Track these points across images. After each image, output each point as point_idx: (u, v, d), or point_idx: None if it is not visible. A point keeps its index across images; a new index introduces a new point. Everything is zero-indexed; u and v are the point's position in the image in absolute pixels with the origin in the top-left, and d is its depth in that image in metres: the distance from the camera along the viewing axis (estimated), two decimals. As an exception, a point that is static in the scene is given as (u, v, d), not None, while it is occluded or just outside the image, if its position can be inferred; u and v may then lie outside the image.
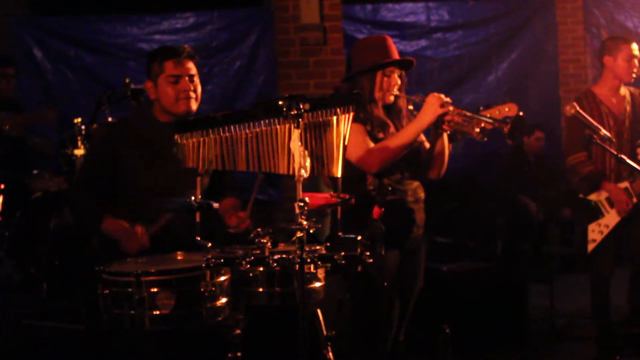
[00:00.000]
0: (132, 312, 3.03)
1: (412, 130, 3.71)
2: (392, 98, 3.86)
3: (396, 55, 3.85)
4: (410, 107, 3.89)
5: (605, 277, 5.01)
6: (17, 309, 4.69)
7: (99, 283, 3.10)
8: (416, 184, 3.92)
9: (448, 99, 3.67)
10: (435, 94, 3.69)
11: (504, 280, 5.42)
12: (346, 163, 3.21)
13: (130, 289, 3.03)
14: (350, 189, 3.32)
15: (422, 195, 3.94)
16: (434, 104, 3.65)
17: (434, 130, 3.79)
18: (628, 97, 5.05)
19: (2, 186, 4.87)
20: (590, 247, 4.97)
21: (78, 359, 4.00)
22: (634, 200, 4.89)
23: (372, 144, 3.74)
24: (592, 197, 4.98)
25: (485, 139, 3.63)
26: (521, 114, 3.59)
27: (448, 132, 3.78)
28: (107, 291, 3.08)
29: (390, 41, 3.89)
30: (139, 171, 3.64)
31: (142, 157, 3.62)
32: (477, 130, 3.62)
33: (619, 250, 5.09)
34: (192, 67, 3.71)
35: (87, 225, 3.77)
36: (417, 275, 3.96)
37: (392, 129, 3.83)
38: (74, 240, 5.06)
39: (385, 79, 3.83)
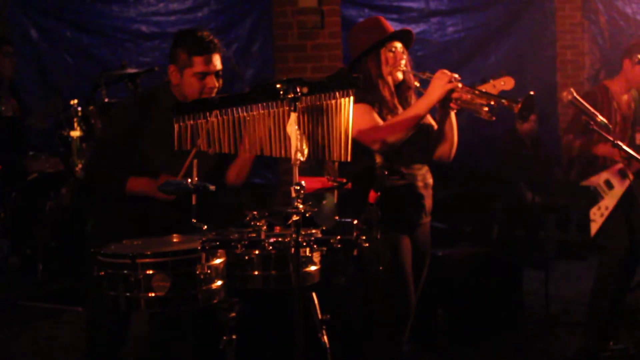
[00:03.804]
0: (128, 294, 3.03)
1: (420, 107, 3.64)
2: (400, 75, 3.82)
3: (393, 30, 3.83)
4: (417, 84, 3.83)
5: (617, 263, 5.01)
6: (13, 290, 4.69)
7: (95, 265, 3.10)
8: (425, 168, 3.86)
9: (456, 75, 3.62)
10: (444, 70, 3.65)
11: (499, 265, 5.43)
12: (354, 147, 3.19)
13: (125, 271, 3.03)
14: (360, 173, 3.29)
15: (430, 180, 3.89)
16: (443, 80, 3.59)
17: (441, 110, 3.74)
18: (635, 98, 5.19)
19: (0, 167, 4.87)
20: (593, 228, 5.00)
21: (74, 341, 4.00)
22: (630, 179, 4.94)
23: (380, 123, 3.70)
24: (590, 182, 5.01)
25: (494, 118, 3.58)
26: (532, 93, 3.53)
27: (456, 111, 3.74)
28: (103, 273, 3.08)
29: (384, 20, 3.87)
30: (155, 148, 3.64)
31: (160, 135, 3.60)
32: (486, 109, 3.57)
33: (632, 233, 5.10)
34: (219, 62, 3.72)
35: (112, 191, 3.73)
36: (424, 263, 3.93)
37: (400, 110, 3.79)
38: (71, 221, 5.06)
39: (390, 54, 3.78)
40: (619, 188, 5.05)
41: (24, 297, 4.44)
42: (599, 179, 5.00)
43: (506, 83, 3.60)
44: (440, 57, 8.23)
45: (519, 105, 3.46)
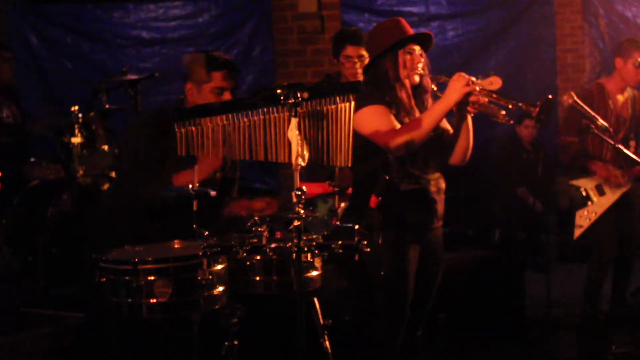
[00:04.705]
0: (130, 300, 3.04)
1: (437, 110, 3.60)
2: (417, 78, 3.78)
3: (412, 32, 3.81)
4: (434, 87, 3.81)
5: (606, 262, 5.03)
6: (15, 296, 4.69)
7: (97, 271, 3.10)
8: (438, 173, 3.84)
9: (473, 78, 3.60)
10: (461, 73, 3.61)
11: (501, 268, 5.43)
12: (366, 151, 3.19)
13: (127, 277, 3.03)
14: (371, 177, 3.28)
15: (443, 185, 3.85)
16: (460, 83, 3.55)
17: (458, 113, 3.70)
18: (631, 99, 5.18)
19: (0, 174, 4.86)
20: (577, 232, 5.01)
21: (76, 347, 4.00)
22: (628, 185, 4.94)
23: (397, 125, 3.66)
24: (580, 183, 5.02)
25: (512, 122, 3.56)
26: (550, 96, 3.51)
27: (472, 115, 3.71)
28: (105, 279, 3.08)
29: (404, 21, 3.83)
30: (177, 164, 3.64)
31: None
32: (504, 112, 3.54)
33: (621, 238, 5.11)
34: (235, 78, 3.80)
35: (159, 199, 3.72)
36: (438, 269, 3.91)
37: (417, 113, 3.76)
38: (72, 227, 5.06)
39: (408, 56, 3.74)
40: (610, 196, 5.05)
41: (26, 304, 4.44)
42: (590, 182, 5.00)
43: (494, 83, 3.58)
44: (441, 60, 8.23)
45: (537, 109, 3.43)
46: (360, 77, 4.52)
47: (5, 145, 5.47)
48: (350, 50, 4.77)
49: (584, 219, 4.98)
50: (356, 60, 4.76)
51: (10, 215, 5.03)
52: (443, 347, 4.93)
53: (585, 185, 5.00)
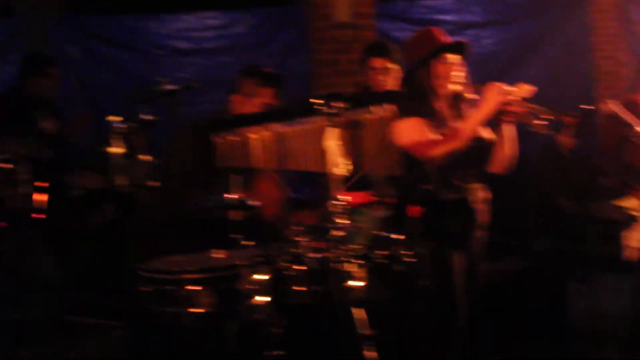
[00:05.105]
0: (172, 309, 3.07)
1: (473, 120, 3.62)
2: (453, 86, 3.78)
3: (447, 41, 3.81)
4: (471, 97, 3.81)
5: None
6: (59, 306, 4.74)
7: (139, 280, 3.13)
8: (479, 183, 3.83)
9: (510, 88, 3.59)
10: (494, 82, 3.62)
11: (543, 279, 5.38)
12: (406, 162, 3.19)
13: (169, 287, 3.06)
14: (411, 187, 3.28)
15: (485, 195, 3.84)
16: (493, 92, 3.58)
17: (495, 123, 3.71)
18: None
19: (46, 185, 4.94)
20: (628, 252, 4.93)
21: (120, 356, 4.03)
22: None
23: (434, 136, 3.67)
24: (629, 203, 4.96)
25: (550, 131, 3.54)
26: (587, 106, 3.50)
27: (511, 124, 3.69)
28: (147, 289, 3.11)
29: (437, 30, 3.83)
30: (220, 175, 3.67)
31: None
32: (543, 123, 3.52)
33: None
34: (282, 98, 3.89)
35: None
36: (477, 279, 3.88)
37: (454, 123, 3.76)
38: (114, 237, 5.11)
39: (442, 66, 3.75)
40: None
41: (70, 313, 4.49)
42: (636, 201, 4.93)
43: (528, 92, 3.57)
44: (478, 70, 8.19)
45: (575, 118, 3.42)
46: (386, 88, 4.54)
47: (49, 157, 5.54)
48: (375, 62, 4.76)
49: (634, 240, 4.91)
50: (381, 72, 4.75)
51: (54, 225, 5.09)
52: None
53: (634, 206, 4.93)
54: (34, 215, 5.03)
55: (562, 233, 7.46)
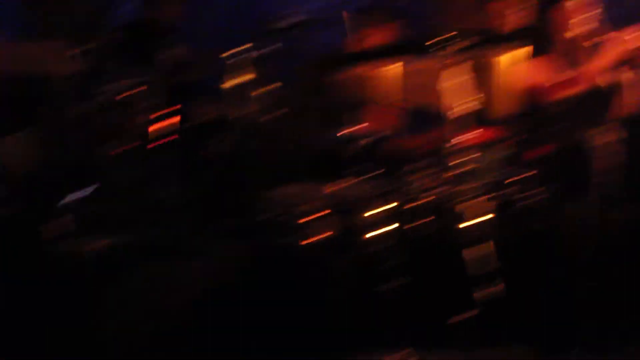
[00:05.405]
0: (290, 238, 3.12)
1: (597, 65, 3.60)
2: (578, 30, 3.72)
3: None
4: (598, 40, 3.74)
5: None
6: (177, 230, 4.84)
7: (261, 208, 3.19)
8: (600, 128, 3.78)
9: (636, 34, 3.51)
10: (623, 30, 3.54)
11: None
12: (529, 102, 3.16)
13: (290, 216, 3.11)
14: (535, 128, 3.26)
15: (606, 139, 3.79)
16: (618, 40, 3.55)
17: (619, 69, 3.64)
18: None
19: (171, 112, 5.06)
20: None
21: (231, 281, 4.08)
22: None
23: (556, 78, 3.65)
24: None
25: None
26: None
27: (636, 69, 3.62)
28: (268, 217, 3.17)
29: None
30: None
31: None
32: None
33: None
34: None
35: None
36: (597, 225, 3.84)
37: (578, 65, 3.72)
38: (235, 166, 5.21)
39: (569, 7, 3.69)
40: None
41: (187, 237, 4.59)
42: None
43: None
44: (615, 9, 7.87)
45: None
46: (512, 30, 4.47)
47: (173, 85, 5.66)
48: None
49: None
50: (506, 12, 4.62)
51: (177, 152, 5.21)
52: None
53: None
54: (157, 141, 5.17)
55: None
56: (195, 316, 3.37)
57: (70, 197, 3.83)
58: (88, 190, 3.72)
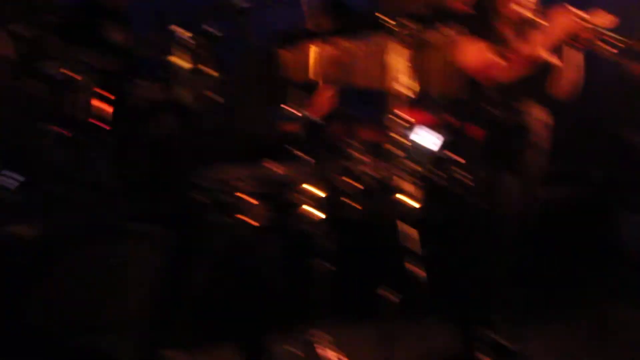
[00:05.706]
0: (224, 218, 3.09)
1: (539, 45, 3.55)
2: (519, 11, 3.67)
3: None
4: (539, 21, 3.71)
5: None
6: (115, 213, 4.79)
7: (195, 190, 3.15)
8: (540, 107, 3.75)
9: (580, 12, 3.50)
10: (566, 7, 3.52)
11: (597, 208, 5.31)
12: (469, 83, 3.13)
13: (224, 197, 3.08)
14: (473, 109, 3.24)
15: (545, 118, 3.79)
16: (563, 18, 3.48)
17: (562, 47, 3.62)
18: None
19: (109, 94, 4.99)
20: None
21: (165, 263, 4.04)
22: None
23: (497, 59, 3.60)
24: None
25: (625, 61, 3.44)
26: None
27: (579, 50, 3.61)
28: (202, 198, 3.14)
29: None
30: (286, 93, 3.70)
31: None
32: (613, 50, 3.41)
33: None
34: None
35: None
36: (534, 203, 3.85)
37: (518, 47, 3.69)
38: (172, 147, 5.15)
39: None
40: None
41: (124, 219, 4.53)
42: None
43: (604, 20, 3.44)
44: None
45: None
46: (455, 10, 4.45)
47: (114, 67, 5.58)
48: None
49: None
50: None
51: (114, 134, 5.14)
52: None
53: None
54: (96, 123, 5.09)
55: (624, 163, 7.31)
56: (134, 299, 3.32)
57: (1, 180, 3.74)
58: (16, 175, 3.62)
